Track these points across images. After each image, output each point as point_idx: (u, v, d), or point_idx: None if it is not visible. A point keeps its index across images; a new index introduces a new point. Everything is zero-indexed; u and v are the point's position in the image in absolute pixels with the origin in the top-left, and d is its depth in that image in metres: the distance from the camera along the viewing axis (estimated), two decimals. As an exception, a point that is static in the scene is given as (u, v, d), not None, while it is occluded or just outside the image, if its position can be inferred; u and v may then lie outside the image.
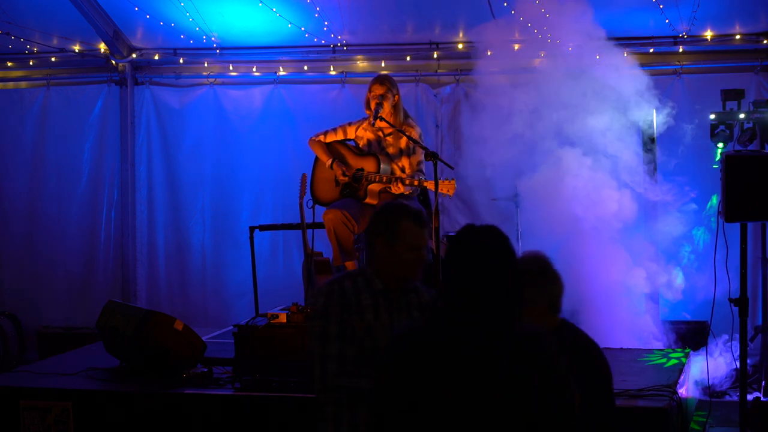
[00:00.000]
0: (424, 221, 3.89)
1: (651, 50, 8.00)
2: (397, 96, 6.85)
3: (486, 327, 2.88)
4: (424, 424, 2.87)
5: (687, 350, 6.80)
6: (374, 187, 6.82)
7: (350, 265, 6.70)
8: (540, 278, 3.65)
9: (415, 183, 6.68)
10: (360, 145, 7.04)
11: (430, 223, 4.04)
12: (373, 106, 6.79)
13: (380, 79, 6.87)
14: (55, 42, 8.90)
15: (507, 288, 2.92)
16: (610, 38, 7.48)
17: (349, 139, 7.09)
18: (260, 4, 8.22)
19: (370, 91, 6.84)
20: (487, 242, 2.96)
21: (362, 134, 7.01)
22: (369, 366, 3.73)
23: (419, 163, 6.86)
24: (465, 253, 2.96)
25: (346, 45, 8.73)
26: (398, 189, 6.71)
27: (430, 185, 6.47)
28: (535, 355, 2.86)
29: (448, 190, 6.56)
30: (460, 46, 8.21)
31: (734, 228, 5.97)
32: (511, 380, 2.81)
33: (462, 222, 8.50)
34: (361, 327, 3.78)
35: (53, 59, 9.18)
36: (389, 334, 3.77)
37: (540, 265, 3.70)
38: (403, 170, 6.85)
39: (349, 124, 7.08)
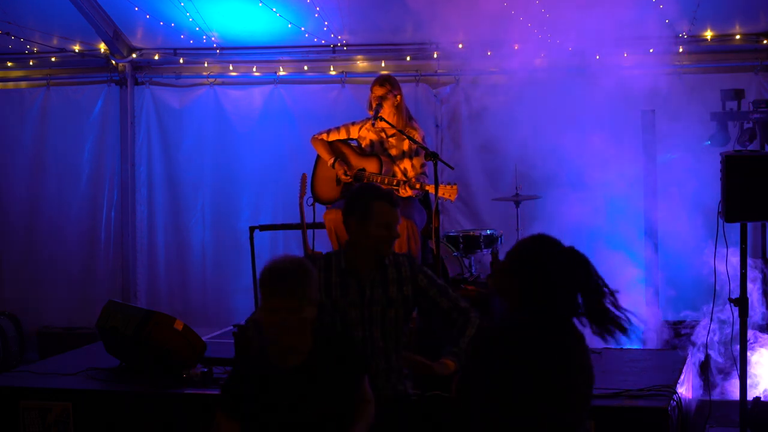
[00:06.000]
0: (395, 201, 4.26)
1: (651, 50, 8.00)
2: (399, 96, 6.81)
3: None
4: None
5: (686, 350, 6.80)
6: (375, 187, 6.80)
7: (350, 265, 6.67)
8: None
9: (417, 186, 6.64)
10: (363, 146, 7.02)
11: (399, 204, 4.39)
12: (374, 106, 6.78)
13: (381, 80, 6.86)
14: (55, 42, 8.90)
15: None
16: (611, 38, 7.48)
17: (352, 139, 7.08)
18: (260, 4, 8.22)
19: (371, 91, 6.84)
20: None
21: (365, 134, 6.99)
22: None
23: (422, 165, 6.83)
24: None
25: (346, 45, 8.73)
26: (406, 192, 6.64)
27: (431, 189, 6.43)
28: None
29: (450, 195, 6.54)
30: (460, 46, 8.20)
31: (734, 228, 5.97)
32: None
33: (462, 222, 8.50)
34: (329, 303, 4.16)
35: (53, 59, 9.18)
36: (359, 310, 4.16)
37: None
38: (405, 172, 6.83)
39: (353, 123, 7.07)
